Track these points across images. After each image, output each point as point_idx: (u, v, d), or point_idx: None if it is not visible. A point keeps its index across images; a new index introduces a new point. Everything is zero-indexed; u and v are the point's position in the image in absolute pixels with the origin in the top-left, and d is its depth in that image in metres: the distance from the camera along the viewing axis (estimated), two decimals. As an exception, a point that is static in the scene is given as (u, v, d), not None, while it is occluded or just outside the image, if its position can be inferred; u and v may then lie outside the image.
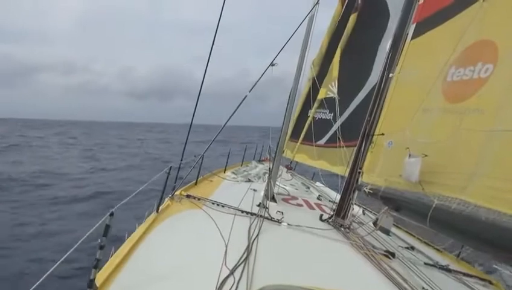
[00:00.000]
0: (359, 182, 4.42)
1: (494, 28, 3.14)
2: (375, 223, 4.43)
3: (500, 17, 3.11)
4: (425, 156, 3.25)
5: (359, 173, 4.42)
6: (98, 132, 79.53)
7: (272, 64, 4.60)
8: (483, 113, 2.97)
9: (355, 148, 4.58)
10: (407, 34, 4.17)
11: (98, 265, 2.51)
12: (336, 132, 7.48)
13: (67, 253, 2.20)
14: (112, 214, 2.64)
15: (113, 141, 48.49)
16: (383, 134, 4.16)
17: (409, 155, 3.42)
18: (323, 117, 8.00)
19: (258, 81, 4.48)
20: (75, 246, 2.29)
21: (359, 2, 7.30)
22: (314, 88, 8.14)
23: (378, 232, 4.26)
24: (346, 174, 4.61)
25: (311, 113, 8.24)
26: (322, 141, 7.80)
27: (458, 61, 3.40)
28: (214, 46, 4.44)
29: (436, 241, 5.19)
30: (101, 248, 2.52)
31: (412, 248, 4.55)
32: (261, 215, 4.13)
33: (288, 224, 4.16)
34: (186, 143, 4.75)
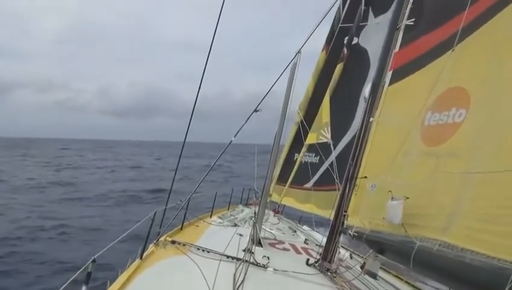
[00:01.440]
0: (344, 225, 4.43)
1: (463, 75, 3.33)
2: (362, 267, 4.39)
3: (468, 65, 3.30)
4: (407, 198, 3.30)
5: (344, 215, 4.44)
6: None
7: (255, 110, 4.72)
8: (458, 155, 3.08)
9: (340, 191, 4.63)
10: (385, 81, 4.35)
11: None
12: (321, 175, 7.59)
13: None
14: (94, 261, 2.59)
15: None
16: (365, 177, 4.24)
17: (392, 198, 3.47)
18: (310, 161, 8.10)
19: (242, 127, 4.58)
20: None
21: (345, 52, 7.67)
22: (303, 131, 8.29)
23: (366, 276, 4.22)
24: (331, 217, 4.61)
25: (299, 156, 8.34)
26: (310, 184, 7.85)
27: (434, 107, 3.55)
28: (206, 63, 4.48)
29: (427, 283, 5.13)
30: None
31: None
32: (246, 261, 4.07)
33: (275, 269, 4.11)
34: (172, 185, 4.70)
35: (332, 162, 6.95)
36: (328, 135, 7.55)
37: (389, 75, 4.30)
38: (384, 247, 3.61)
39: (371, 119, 4.41)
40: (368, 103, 4.53)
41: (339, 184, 6.39)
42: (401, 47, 4.25)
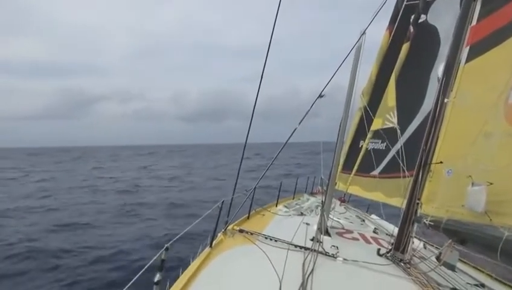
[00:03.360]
0: (418, 214, 4.20)
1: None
2: (438, 258, 4.15)
3: None
4: (491, 184, 3.03)
5: (417, 204, 4.21)
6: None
7: (320, 96, 4.62)
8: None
9: (412, 178, 4.38)
10: (461, 58, 4.03)
11: None
12: (389, 162, 7.26)
13: (124, 289, 2.25)
14: (167, 249, 2.69)
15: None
16: (441, 162, 3.96)
17: (472, 184, 3.22)
18: (375, 147, 7.81)
19: (307, 113, 4.50)
20: (132, 281, 2.34)
21: (411, 31, 7.24)
22: (367, 118, 8.02)
23: (443, 267, 3.98)
24: (404, 206, 4.39)
25: (364, 143, 8.08)
26: (376, 172, 7.58)
27: (520, 83, 3.21)
28: (265, 66, 4.56)
29: (510, 277, 4.74)
30: (157, 283, 2.55)
31: (482, 286, 4.18)
32: (315, 250, 4.02)
33: (344, 259, 4.01)
34: (237, 177, 4.79)
35: (400, 148, 6.64)
36: (395, 120, 7.22)
37: (465, 51, 3.96)
38: (465, 237, 3.36)
39: (446, 100, 4.10)
40: (441, 83, 4.21)
41: (408, 171, 6.10)
42: (479, 20, 3.89)
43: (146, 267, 2.44)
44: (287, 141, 4.59)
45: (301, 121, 4.52)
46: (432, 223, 3.79)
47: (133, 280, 2.36)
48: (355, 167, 8.15)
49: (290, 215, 6.27)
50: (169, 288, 3.00)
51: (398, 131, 6.93)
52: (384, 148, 7.52)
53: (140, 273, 2.40)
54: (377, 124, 7.72)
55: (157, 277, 2.56)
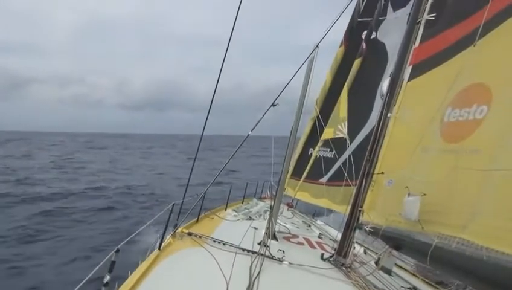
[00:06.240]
0: (360, 221, 4.42)
1: (486, 71, 3.27)
2: (376, 263, 4.39)
3: (491, 61, 3.25)
4: (424, 194, 3.28)
5: (360, 211, 4.43)
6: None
7: (273, 105, 4.73)
8: (480, 153, 3.03)
9: (356, 187, 4.61)
10: (404, 76, 4.31)
11: None
12: (337, 170, 7.56)
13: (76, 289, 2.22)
14: (117, 251, 2.68)
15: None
16: (382, 173, 4.21)
17: (408, 194, 3.45)
18: (325, 155, 8.09)
19: (259, 121, 4.59)
20: (82, 283, 2.31)
21: (364, 47, 7.61)
22: (319, 126, 8.26)
23: (381, 272, 4.21)
24: (347, 213, 4.60)
25: (314, 151, 8.33)
26: (324, 179, 7.85)
27: (454, 103, 3.50)
28: (225, 57, 4.41)
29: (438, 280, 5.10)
30: (106, 285, 2.53)
31: (415, 289, 4.47)
32: (262, 254, 4.10)
33: (290, 263, 4.13)
34: (189, 179, 4.76)
35: (347, 158, 6.93)
36: (345, 130, 7.52)
37: (408, 70, 4.25)
38: (400, 243, 3.60)
39: (389, 114, 4.37)
40: (385, 98, 4.49)
41: (355, 180, 6.38)
42: (421, 42, 4.20)
43: (96, 269, 2.42)
44: (240, 145, 4.64)
45: (253, 128, 4.60)
46: (372, 230, 4.02)
47: (84, 281, 2.33)
48: (305, 174, 8.38)
49: (238, 219, 6.33)
50: (117, 289, 2.97)
51: (348, 141, 7.23)
52: (332, 156, 7.81)
53: (90, 275, 2.39)
54: (328, 134, 7.98)
55: (106, 279, 2.54)
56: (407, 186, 3.52)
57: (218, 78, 4.36)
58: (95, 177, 25.12)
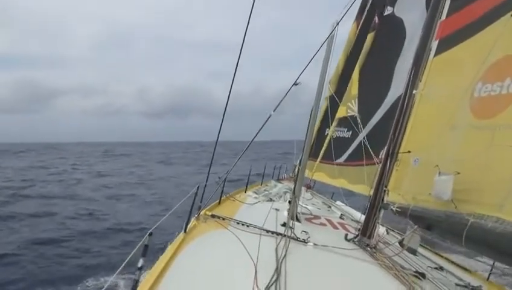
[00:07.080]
0: (385, 201, 4.36)
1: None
2: (401, 243, 4.34)
3: None
4: (458, 173, 3.18)
5: (385, 191, 4.36)
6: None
7: (295, 84, 4.63)
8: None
9: (380, 165, 4.52)
10: (430, 51, 4.16)
11: (136, 286, 2.53)
12: (354, 150, 7.47)
13: (112, 277, 2.24)
14: (150, 234, 2.71)
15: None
16: (409, 151, 4.11)
17: (439, 173, 3.36)
18: (341, 135, 8.00)
19: (282, 100, 4.52)
20: (119, 270, 2.32)
21: (376, 21, 7.38)
22: (332, 106, 8.16)
23: (405, 252, 4.17)
24: (371, 193, 4.53)
25: (330, 131, 8.24)
26: (342, 159, 7.77)
27: (485, 77, 3.37)
28: (238, 63, 4.45)
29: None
30: (140, 269, 2.55)
31: (441, 269, 4.42)
32: (287, 236, 4.08)
33: (315, 244, 4.11)
34: (211, 163, 4.78)
35: (365, 137, 6.83)
36: (355, 108, 7.40)
37: (434, 45, 4.10)
38: (431, 223, 3.53)
39: (414, 91, 4.25)
40: (410, 74, 4.35)
41: (371, 160, 6.29)
42: (449, 14, 4.03)
43: (132, 254, 2.44)
44: (261, 128, 4.57)
45: (276, 108, 4.51)
46: (399, 210, 3.95)
47: (120, 267, 2.34)
48: (321, 154, 8.32)
49: (259, 201, 6.33)
50: (147, 273, 2.98)
51: (359, 119, 7.11)
52: (349, 136, 7.72)
53: (126, 260, 2.41)
54: (341, 112, 7.89)
55: (140, 262, 2.57)
56: (437, 165, 3.42)
57: (232, 83, 4.38)
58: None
